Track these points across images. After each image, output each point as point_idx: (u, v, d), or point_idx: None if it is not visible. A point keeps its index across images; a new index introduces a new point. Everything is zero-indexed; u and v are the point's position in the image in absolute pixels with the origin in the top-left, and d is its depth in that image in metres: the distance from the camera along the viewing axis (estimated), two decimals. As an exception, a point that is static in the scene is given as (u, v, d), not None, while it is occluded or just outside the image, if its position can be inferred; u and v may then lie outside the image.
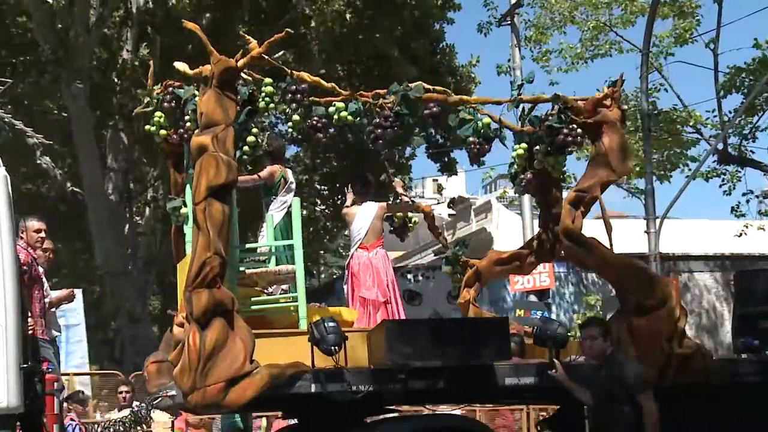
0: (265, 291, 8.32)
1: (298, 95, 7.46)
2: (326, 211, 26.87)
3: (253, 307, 7.87)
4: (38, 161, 21.95)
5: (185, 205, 8.48)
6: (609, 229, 8.10)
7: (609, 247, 8.03)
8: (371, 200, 9.78)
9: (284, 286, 8.64)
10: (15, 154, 22.52)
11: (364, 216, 9.62)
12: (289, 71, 7.55)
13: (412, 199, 10.09)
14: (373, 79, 19.36)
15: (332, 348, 6.77)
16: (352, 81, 21.16)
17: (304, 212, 26.04)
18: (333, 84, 7.72)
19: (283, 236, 9.17)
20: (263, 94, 7.45)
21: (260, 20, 21.99)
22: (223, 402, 6.78)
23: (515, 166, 8.81)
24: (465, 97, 8.25)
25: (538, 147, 8.50)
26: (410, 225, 10.05)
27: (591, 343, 7.27)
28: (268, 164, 9.43)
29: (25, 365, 6.73)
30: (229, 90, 7.33)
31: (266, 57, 7.52)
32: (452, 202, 14.87)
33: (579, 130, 8.30)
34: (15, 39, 19.82)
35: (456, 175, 24.48)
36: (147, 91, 8.48)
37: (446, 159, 21.61)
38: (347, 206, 9.91)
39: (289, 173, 9.43)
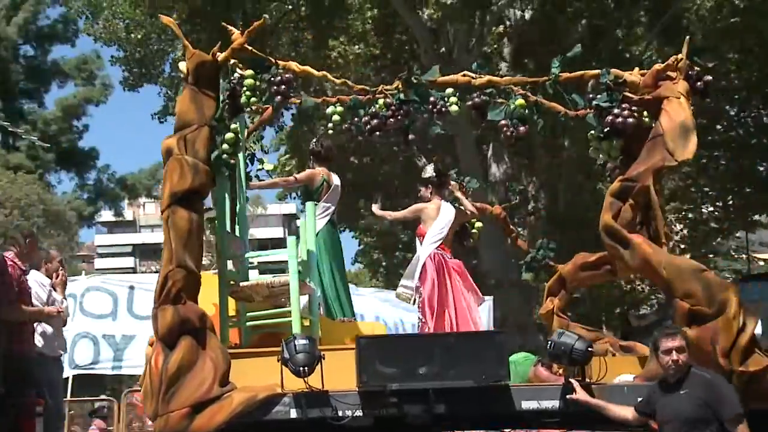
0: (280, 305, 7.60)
1: (283, 86, 6.72)
2: (715, 213, 26.22)
3: (248, 324, 7.22)
4: None
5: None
6: (660, 225, 6.82)
7: (659, 246, 6.77)
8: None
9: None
10: (409, 176, 23.41)
11: (446, 216, 8.78)
12: (275, 61, 6.81)
13: (473, 203, 9.05)
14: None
15: (301, 369, 5.98)
16: (742, 73, 20.57)
17: (691, 215, 25.78)
18: (324, 72, 6.93)
19: (325, 246, 8.46)
20: (244, 89, 6.74)
21: (640, 20, 21.46)
22: (189, 430, 6.13)
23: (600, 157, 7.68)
24: (494, 78, 7.20)
25: (592, 132, 7.39)
26: (473, 231, 9.04)
27: (678, 357, 5.92)
28: (312, 166, 8.73)
29: None
30: (207, 87, 6.70)
31: (250, 48, 6.82)
32: None
33: (636, 109, 7.15)
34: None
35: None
36: None
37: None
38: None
39: (334, 177, 8.67)
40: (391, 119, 6.77)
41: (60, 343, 7.96)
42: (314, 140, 8.93)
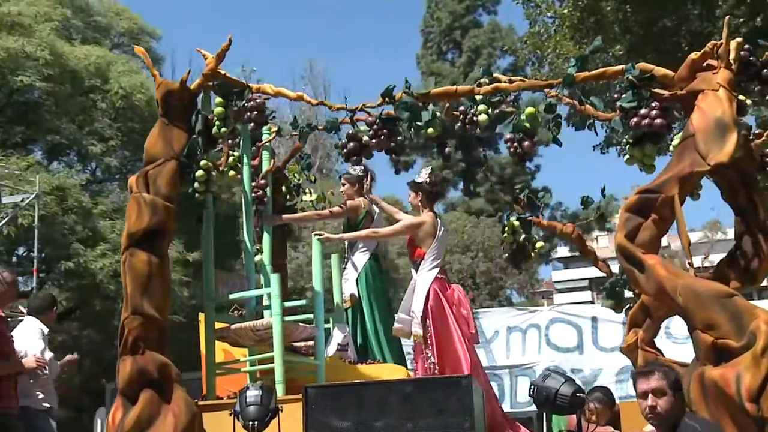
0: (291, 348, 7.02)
1: (255, 113, 6.18)
2: None
3: (251, 369, 6.77)
4: None
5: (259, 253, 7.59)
6: (685, 243, 5.71)
7: (687, 266, 5.69)
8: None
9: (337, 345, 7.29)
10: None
11: (443, 234, 7.82)
12: (248, 85, 6.28)
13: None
14: None
15: (249, 423, 5.38)
16: None
17: None
18: (299, 93, 6.32)
19: (368, 282, 7.85)
20: (214, 118, 6.25)
21: None
22: (144, 491, 5.65)
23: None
24: (502, 84, 6.34)
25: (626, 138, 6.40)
26: (534, 251, 7.88)
27: (656, 401, 4.95)
28: (354, 196, 8.10)
29: None
30: (178, 119, 6.25)
31: (221, 72, 6.32)
32: None
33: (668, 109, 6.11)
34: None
35: None
36: None
37: None
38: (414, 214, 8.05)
39: (376, 209, 8.04)
40: (373, 140, 6.08)
41: (46, 395, 7.51)
42: (357, 167, 8.21)
